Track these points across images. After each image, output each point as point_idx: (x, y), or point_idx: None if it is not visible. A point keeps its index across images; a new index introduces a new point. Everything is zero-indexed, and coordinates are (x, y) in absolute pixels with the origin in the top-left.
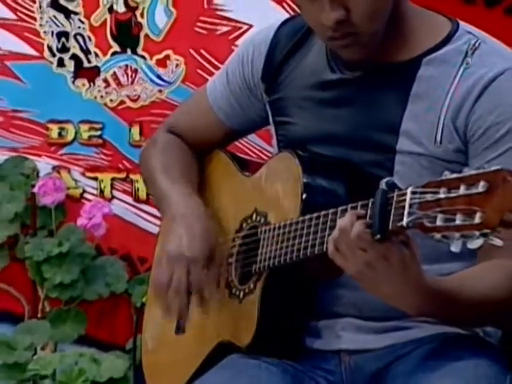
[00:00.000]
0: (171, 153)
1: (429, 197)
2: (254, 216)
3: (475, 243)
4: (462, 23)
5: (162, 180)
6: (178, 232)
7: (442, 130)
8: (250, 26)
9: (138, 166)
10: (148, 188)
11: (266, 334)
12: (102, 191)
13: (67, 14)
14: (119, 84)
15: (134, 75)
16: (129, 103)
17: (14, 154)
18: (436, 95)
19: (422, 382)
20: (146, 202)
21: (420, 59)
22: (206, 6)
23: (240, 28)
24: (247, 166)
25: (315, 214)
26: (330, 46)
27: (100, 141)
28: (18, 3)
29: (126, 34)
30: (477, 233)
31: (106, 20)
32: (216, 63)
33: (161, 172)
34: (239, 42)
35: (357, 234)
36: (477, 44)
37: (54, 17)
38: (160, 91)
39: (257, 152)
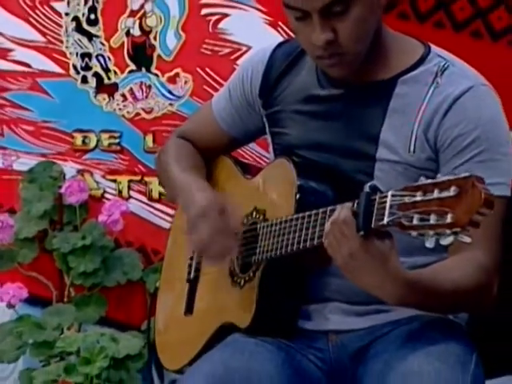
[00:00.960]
0: (183, 151)
1: (407, 199)
2: (254, 213)
3: (447, 240)
4: (433, 46)
5: (175, 172)
6: (192, 201)
7: (415, 140)
8: (249, 48)
9: (154, 168)
10: (163, 182)
11: (263, 316)
12: (120, 192)
13: (90, 37)
14: (135, 98)
15: (147, 90)
16: (143, 115)
17: (43, 159)
18: (410, 110)
19: (398, 359)
20: (159, 201)
21: (396, 79)
22: (210, 30)
23: (240, 49)
24: (248, 170)
25: (307, 213)
26: (319, 64)
27: (118, 148)
28: (47, 28)
29: (141, 54)
30: (448, 231)
31: (123, 42)
32: (219, 80)
33: (174, 166)
34: (239, 61)
35: (344, 217)
36: (446, 66)
37: (79, 40)
38: (171, 104)
39: (256, 158)
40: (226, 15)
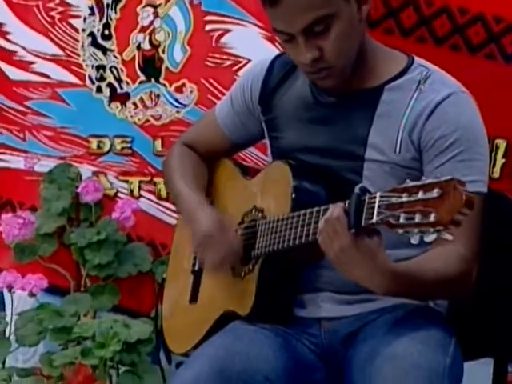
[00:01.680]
0: (185, 162)
1: (394, 200)
2: (253, 211)
3: (430, 237)
4: (416, 57)
5: (178, 184)
6: (195, 220)
7: (401, 142)
8: (249, 60)
9: (161, 171)
10: (168, 188)
11: (261, 305)
12: (131, 191)
13: (104, 50)
14: (145, 106)
15: (156, 99)
16: (153, 121)
17: (61, 161)
18: (396, 115)
19: (385, 343)
20: (166, 199)
21: (383, 87)
22: (213, 44)
23: (240, 62)
24: (248, 172)
25: (302, 212)
26: (309, 78)
27: (130, 151)
28: (65, 42)
29: (151, 66)
30: (432, 229)
31: (134, 55)
32: (222, 90)
33: (178, 177)
34: (240, 72)
35: (336, 216)
36: (428, 74)
37: (94, 53)
38: (178, 112)
39: (255, 160)
40: (227, 31)
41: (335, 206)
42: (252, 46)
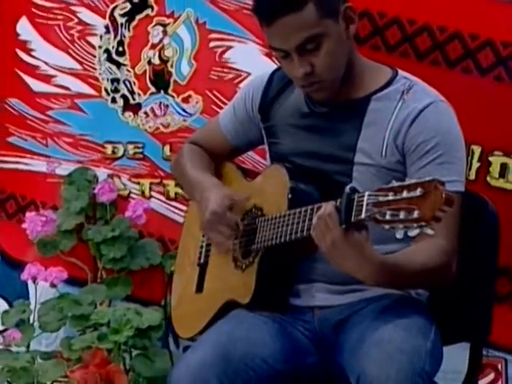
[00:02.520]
0: (195, 155)
1: (381, 198)
2: (253, 210)
3: (414, 232)
4: (400, 70)
5: (189, 172)
6: (206, 198)
7: (387, 147)
8: (249, 74)
9: (170, 174)
10: (180, 181)
11: (260, 294)
12: (143, 192)
13: (118, 65)
14: (155, 115)
15: (165, 109)
16: (162, 129)
17: (80, 165)
18: (382, 122)
19: (372, 329)
20: (174, 199)
21: (370, 97)
22: (217, 59)
23: (241, 75)
24: (248, 174)
25: (297, 210)
26: (303, 91)
27: (141, 156)
28: (83, 58)
29: (160, 79)
30: (415, 225)
31: (146, 70)
32: (225, 100)
33: (188, 167)
34: (241, 85)
35: (328, 213)
36: (411, 85)
37: (109, 67)
38: (184, 120)
39: (254, 164)
40: (229, 47)
41: (327, 204)
42: (251, 61)
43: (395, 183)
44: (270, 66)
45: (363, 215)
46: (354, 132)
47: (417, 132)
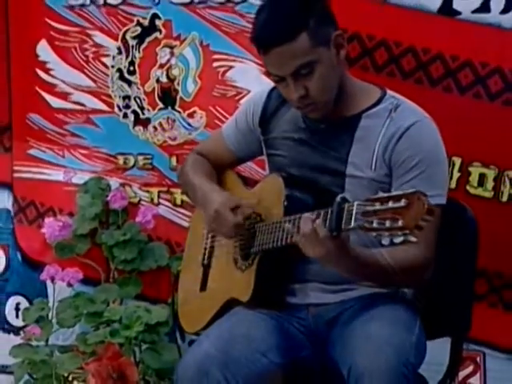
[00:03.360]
0: (198, 165)
1: (368, 208)
2: (253, 216)
3: (398, 239)
4: (388, 90)
5: (193, 179)
6: (209, 200)
7: (376, 161)
8: (249, 91)
9: (176, 183)
10: (185, 187)
11: (259, 293)
12: (151, 199)
13: (129, 83)
14: (163, 129)
15: (172, 123)
16: (169, 142)
17: (94, 175)
18: (371, 138)
19: (361, 325)
20: (181, 206)
21: (361, 115)
22: (219, 78)
23: (242, 93)
24: (248, 182)
25: (292, 216)
26: (299, 111)
27: (150, 166)
28: (97, 77)
29: (168, 96)
30: (400, 233)
31: (154, 87)
32: (227, 115)
33: (192, 174)
34: (242, 101)
35: (315, 229)
36: (398, 104)
37: (121, 85)
38: (190, 134)
39: (254, 173)
40: (231, 67)
41: (319, 212)
42: (251, 79)
43: (382, 194)
44: (268, 83)
45: (352, 224)
46: (345, 147)
47: (403, 148)
